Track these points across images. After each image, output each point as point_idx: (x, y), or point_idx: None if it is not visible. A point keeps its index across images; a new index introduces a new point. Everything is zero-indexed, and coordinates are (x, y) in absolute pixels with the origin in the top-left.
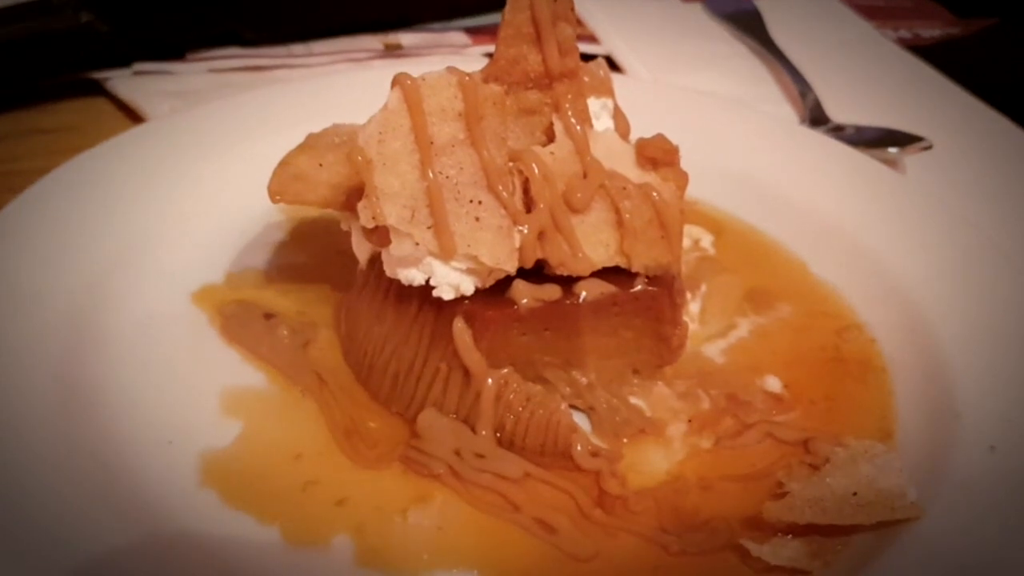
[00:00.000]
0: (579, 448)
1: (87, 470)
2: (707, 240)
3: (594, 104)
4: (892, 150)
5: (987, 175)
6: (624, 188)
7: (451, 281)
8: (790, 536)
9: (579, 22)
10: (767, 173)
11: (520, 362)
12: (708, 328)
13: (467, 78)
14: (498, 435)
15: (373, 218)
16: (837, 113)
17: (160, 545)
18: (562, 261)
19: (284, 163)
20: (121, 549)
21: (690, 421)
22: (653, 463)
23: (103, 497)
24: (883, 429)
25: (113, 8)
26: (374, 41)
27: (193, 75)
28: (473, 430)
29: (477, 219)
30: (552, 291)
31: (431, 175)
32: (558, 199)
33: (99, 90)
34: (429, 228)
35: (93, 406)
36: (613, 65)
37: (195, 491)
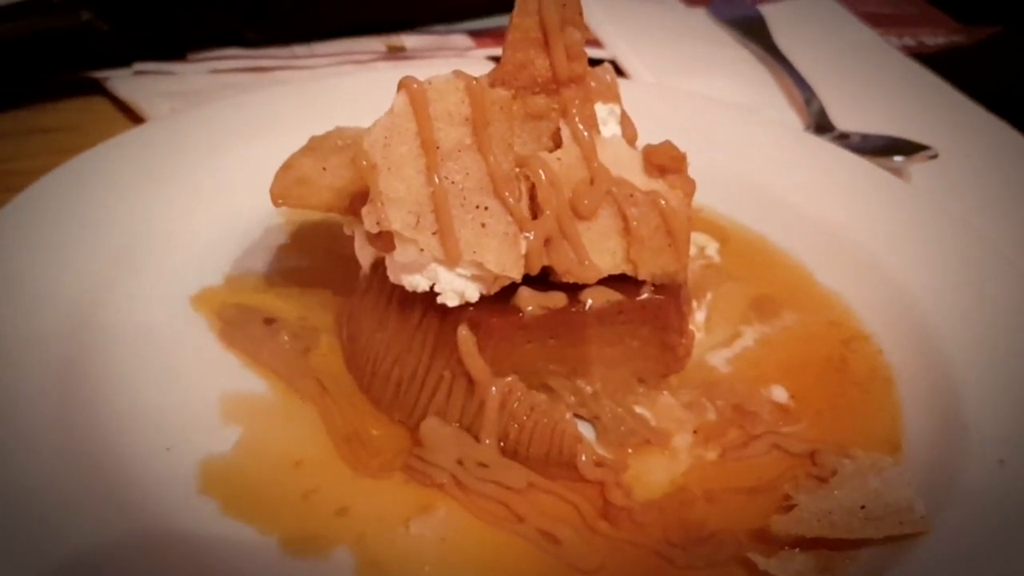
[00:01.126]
0: (584, 458)
1: (83, 475)
2: (712, 248)
3: (601, 110)
4: (897, 159)
5: (993, 184)
6: (631, 195)
7: (456, 287)
8: (797, 549)
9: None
10: (772, 180)
11: (525, 370)
12: (713, 337)
13: (474, 82)
14: (502, 444)
15: (377, 223)
16: (841, 120)
17: (158, 553)
18: (568, 268)
19: (287, 166)
20: (118, 556)
21: (696, 432)
22: (658, 474)
23: (100, 503)
24: (890, 441)
25: (114, 7)
26: (377, 43)
27: (194, 75)
28: (476, 439)
29: (483, 225)
30: (558, 299)
31: (437, 180)
32: (565, 206)
33: (99, 90)
34: (434, 234)
35: (90, 409)
36: (617, 70)
37: (194, 498)
